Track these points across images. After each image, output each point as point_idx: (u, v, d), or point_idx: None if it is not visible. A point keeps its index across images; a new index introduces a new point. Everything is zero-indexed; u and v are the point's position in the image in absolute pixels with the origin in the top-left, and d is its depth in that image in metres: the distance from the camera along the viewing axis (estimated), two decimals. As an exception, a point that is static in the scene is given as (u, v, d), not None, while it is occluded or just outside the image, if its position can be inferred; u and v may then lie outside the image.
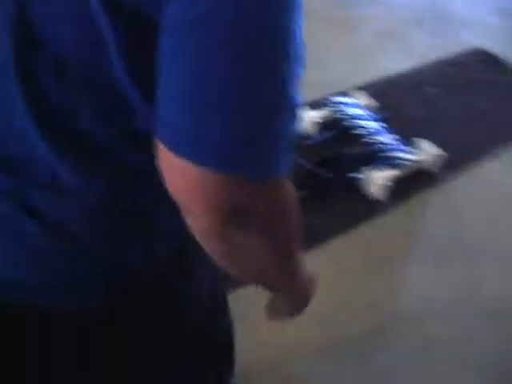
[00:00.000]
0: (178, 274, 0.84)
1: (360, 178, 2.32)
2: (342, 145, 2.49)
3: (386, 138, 2.45)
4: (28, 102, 0.65)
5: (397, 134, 2.55)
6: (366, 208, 2.31)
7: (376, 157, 2.40)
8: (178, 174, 0.59)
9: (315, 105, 2.60)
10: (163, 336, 0.84)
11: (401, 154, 2.39)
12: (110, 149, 0.67)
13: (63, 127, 0.66)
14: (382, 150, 2.41)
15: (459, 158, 2.57)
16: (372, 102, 2.68)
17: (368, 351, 1.86)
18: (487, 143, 2.71)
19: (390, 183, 2.29)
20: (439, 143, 2.54)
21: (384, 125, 2.54)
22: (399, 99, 2.85)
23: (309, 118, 2.51)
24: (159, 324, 0.82)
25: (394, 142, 2.45)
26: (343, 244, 2.17)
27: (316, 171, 2.34)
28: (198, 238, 0.65)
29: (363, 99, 2.68)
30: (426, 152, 2.46)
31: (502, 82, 3.11)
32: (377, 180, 2.29)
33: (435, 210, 2.39)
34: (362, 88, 2.79)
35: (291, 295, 0.88)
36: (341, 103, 2.60)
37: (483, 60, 3.24)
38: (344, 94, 2.68)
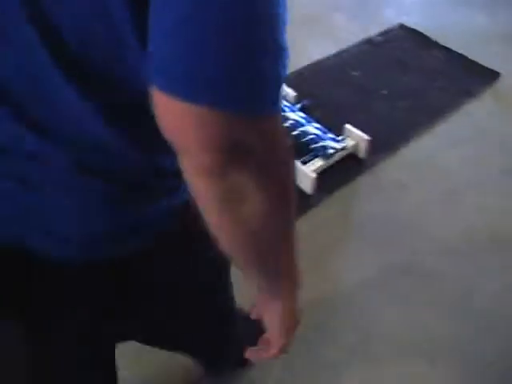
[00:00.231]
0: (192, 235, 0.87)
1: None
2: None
3: (310, 129, 2.37)
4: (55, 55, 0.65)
5: (322, 121, 2.47)
6: (298, 202, 2.22)
7: (304, 149, 2.33)
8: (174, 115, 0.59)
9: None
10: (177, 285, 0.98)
11: (327, 143, 2.32)
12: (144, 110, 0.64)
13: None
14: (308, 142, 2.34)
15: (387, 139, 2.51)
16: (291, 92, 2.60)
17: (310, 345, 1.79)
18: (415, 122, 2.65)
19: (315, 175, 2.21)
20: (366, 126, 2.48)
21: (303, 115, 2.46)
22: (323, 86, 2.76)
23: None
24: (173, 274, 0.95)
25: (318, 132, 2.37)
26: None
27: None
28: (196, 182, 0.64)
29: (284, 89, 2.60)
30: (352, 137, 2.40)
31: (427, 58, 3.07)
32: (303, 173, 2.21)
33: (367, 194, 2.32)
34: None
35: (284, 291, 0.83)
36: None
37: (407, 37, 3.19)
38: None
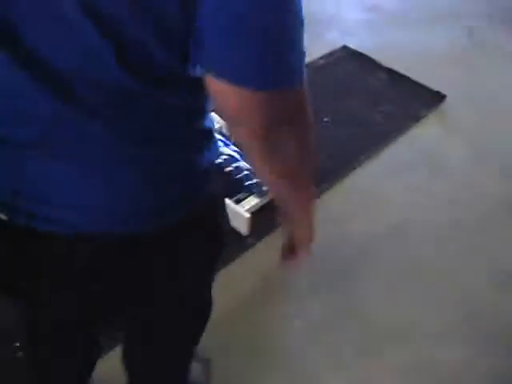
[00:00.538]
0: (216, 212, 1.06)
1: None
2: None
3: (245, 164, 2.23)
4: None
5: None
6: (232, 244, 2.09)
7: (237, 187, 2.19)
8: (225, 96, 0.75)
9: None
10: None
11: (262, 179, 2.18)
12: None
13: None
14: (242, 179, 2.19)
15: (330, 168, 2.39)
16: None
17: None
18: (359, 149, 2.53)
19: (249, 214, 2.07)
20: None
21: (238, 149, 2.32)
22: None
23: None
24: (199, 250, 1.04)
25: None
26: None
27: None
28: (246, 144, 0.83)
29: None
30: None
31: (371, 80, 2.96)
32: (237, 213, 2.07)
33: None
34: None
35: (303, 210, 1.00)
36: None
37: (350, 59, 3.09)
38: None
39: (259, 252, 2.07)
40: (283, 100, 0.77)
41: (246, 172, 2.19)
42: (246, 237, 2.09)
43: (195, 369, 1.57)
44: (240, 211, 2.05)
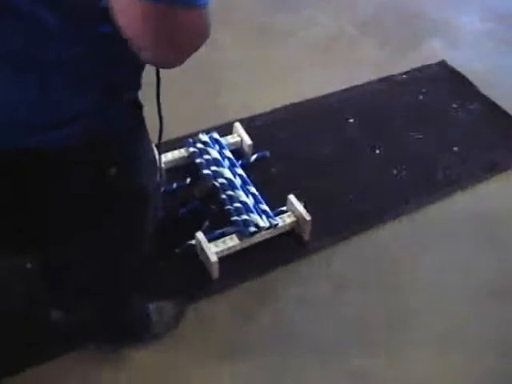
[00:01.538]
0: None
1: (194, 246, 1.83)
2: (193, 198, 1.99)
3: (241, 195, 1.90)
4: None
5: (269, 185, 2.01)
6: (201, 284, 1.80)
7: (223, 219, 1.88)
8: (127, 11, 0.71)
9: (174, 144, 2.10)
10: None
11: (252, 218, 1.82)
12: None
13: None
14: (231, 212, 1.87)
15: (349, 219, 1.99)
16: (247, 139, 2.13)
17: None
18: (400, 197, 2.08)
19: (217, 259, 1.74)
20: (328, 197, 2.01)
21: (242, 174, 1.99)
22: (297, 135, 2.25)
23: (165, 162, 2.03)
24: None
25: (248, 201, 1.87)
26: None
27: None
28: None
29: (237, 136, 2.15)
30: (293, 212, 1.90)
31: (457, 110, 2.42)
32: (207, 253, 1.77)
33: (289, 296, 1.79)
34: (243, 121, 2.24)
35: None
36: (202, 142, 2.07)
37: (444, 79, 2.57)
38: (215, 129, 2.15)
39: (223, 301, 1.76)
40: (185, 17, 0.73)
41: (237, 204, 1.87)
42: (214, 281, 1.79)
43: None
44: (208, 253, 1.75)
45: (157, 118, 1.08)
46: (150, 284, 1.64)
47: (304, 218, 1.86)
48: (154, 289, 1.72)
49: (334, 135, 2.26)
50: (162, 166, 1.97)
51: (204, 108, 2.32)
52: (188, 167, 2.05)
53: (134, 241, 1.22)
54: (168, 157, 2.05)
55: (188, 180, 2.02)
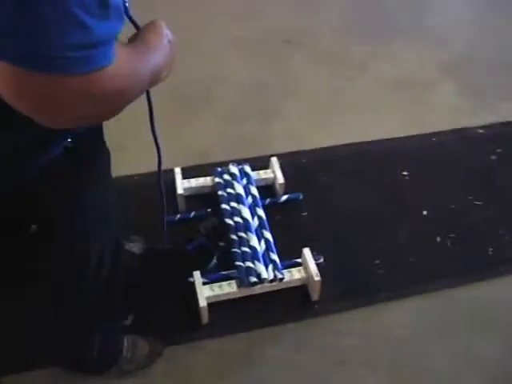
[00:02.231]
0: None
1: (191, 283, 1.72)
2: (209, 231, 1.88)
3: (252, 240, 1.76)
4: None
5: (289, 233, 1.88)
6: (189, 326, 1.69)
7: (227, 262, 1.76)
8: None
9: (193, 171, 2.02)
10: None
11: (256, 267, 1.68)
12: None
13: None
14: (236, 256, 1.75)
15: (368, 285, 1.79)
16: (279, 177, 1.99)
17: None
18: (430, 271, 1.85)
19: (206, 304, 1.63)
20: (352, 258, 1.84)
21: (262, 215, 1.85)
22: (326, 181, 2.09)
23: (184, 187, 1.95)
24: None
25: (259, 248, 1.74)
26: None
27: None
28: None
29: (271, 172, 2.01)
30: (305, 268, 1.75)
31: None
32: (203, 296, 1.66)
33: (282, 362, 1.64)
34: (287, 155, 2.11)
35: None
36: (229, 174, 1.96)
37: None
38: (252, 160, 2.03)
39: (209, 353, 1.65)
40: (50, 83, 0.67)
41: (245, 249, 1.75)
42: (203, 325, 1.69)
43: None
44: (198, 296, 1.65)
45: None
46: (122, 316, 1.58)
47: (313, 278, 1.70)
48: (137, 322, 1.65)
49: (381, 188, 2.06)
50: (181, 192, 1.92)
51: (251, 135, 2.22)
52: (211, 197, 1.96)
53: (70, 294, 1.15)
54: (191, 183, 1.96)
55: (208, 210, 1.93)
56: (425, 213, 1.99)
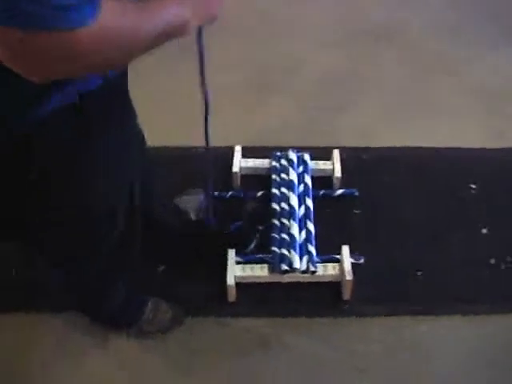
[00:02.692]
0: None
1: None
2: (251, 213, 1.88)
3: (293, 228, 1.74)
4: None
5: (335, 227, 1.85)
6: (214, 302, 1.70)
7: (263, 247, 1.76)
8: None
9: (256, 152, 2.02)
10: None
11: (291, 255, 1.66)
12: None
13: None
14: (273, 241, 1.73)
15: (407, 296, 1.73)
16: (337, 171, 1.94)
17: None
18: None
19: (234, 282, 1.65)
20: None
21: (310, 206, 1.82)
22: (387, 182, 2.01)
23: (242, 166, 1.96)
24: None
25: (298, 237, 1.72)
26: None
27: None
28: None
29: (330, 164, 1.97)
30: (341, 265, 1.70)
31: None
32: (232, 274, 1.67)
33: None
34: (351, 150, 2.06)
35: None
36: (287, 160, 1.94)
37: None
38: (314, 150, 2.00)
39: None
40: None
41: (284, 236, 1.73)
42: (230, 303, 1.70)
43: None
44: (229, 273, 1.66)
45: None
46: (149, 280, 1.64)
47: (345, 276, 1.67)
48: (165, 290, 1.69)
49: (443, 197, 1.96)
50: (236, 170, 1.93)
51: (320, 125, 2.18)
52: (267, 180, 1.95)
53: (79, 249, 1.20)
54: (249, 163, 1.97)
55: (260, 193, 1.93)
56: (484, 231, 1.88)
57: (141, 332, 1.62)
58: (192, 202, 1.83)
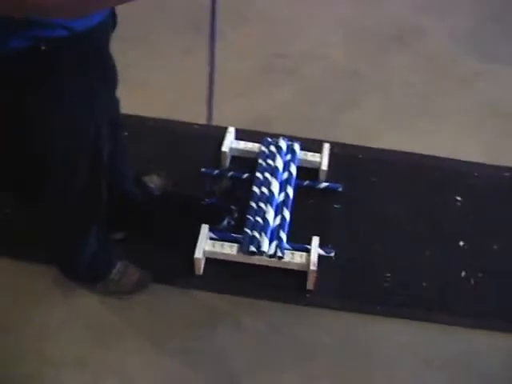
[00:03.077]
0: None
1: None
2: (231, 193, 1.92)
3: (269, 214, 1.79)
4: None
5: (315, 213, 1.89)
6: (181, 272, 1.75)
7: (240, 226, 1.80)
8: None
9: (251, 136, 2.06)
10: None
11: (262, 239, 1.71)
12: None
13: None
14: (251, 224, 1.77)
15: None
16: (324, 164, 1.97)
17: None
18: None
19: (203, 257, 1.70)
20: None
21: (291, 196, 1.85)
22: (374, 182, 2.03)
23: (231, 147, 2.01)
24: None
25: (272, 223, 1.77)
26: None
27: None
28: None
29: (318, 157, 1.99)
30: (306, 255, 1.74)
31: None
32: (201, 248, 1.72)
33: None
34: (349, 147, 2.10)
35: None
36: (276, 147, 1.97)
37: None
38: (308, 141, 2.04)
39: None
40: None
41: (258, 219, 1.77)
42: (196, 276, 1.75)
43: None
44: (199, 246, 1.72)
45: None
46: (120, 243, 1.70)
47: (309, 266, 1.70)
48: (135, 255, 1.76)
49: (427, 205, 1.97)
50: (225, 150, 1.97)
51: (322, 117, 2.21)
52: (254, 163, 1.99)
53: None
54: (240, 145, 2.01)
55: (245, 175, 1.97)
56: (461, 243, 1.88)
57: (106, 290, 1.69)
58: (159, 183, 1.89)
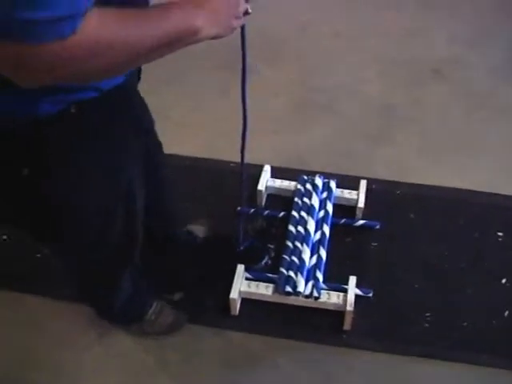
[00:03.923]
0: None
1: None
2: (266, 232, 1.92)
3: (305, 253, 1.77)
4: None
5: (352, 252, 1.86)
6: (217, 313, 1.75)
7: (274, 267, 1.79)
8: None
9: (287, 173, 2.06)
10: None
11: (297, 279, 1.70)
12: None
13: None
14: (282, 263, 1.76)
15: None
16: (361, 201, 1.94)
17: None
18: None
19: (238, 297, 1.70)
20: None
21: (327, 235, 1.83)
22: (412, 219, 1.98)
23: (267, 185, 2.01)
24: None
25: (308, 262, 1.75)
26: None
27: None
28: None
29: (355, 194, 1.97)
30: (343, 295, 1.71)
31: None
32: (237, 288, 1.72)
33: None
34: (384, 183, 2.07)
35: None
36: (312, 185, 1.96)
37: None
38: (343, 178, 2.03)
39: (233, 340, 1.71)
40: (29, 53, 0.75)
41: (294, 258, 1.76)
42: (232, 316, 1.75)
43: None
44: (234, 287, 1.71)
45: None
46: (158, 282, 1.71)
47: (346, 306, 1.67)
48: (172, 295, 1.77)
49: (468, 241, 1.92)
50: (261, 188, 1.97)
51: (357, 153, 2.19)
52: (290, 201, 1.98)
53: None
54: (275, 183, 2.01)
55: (281, 214, 1.97)
56: (503, 281, 1.83)
57: (141, 332, 1.70)
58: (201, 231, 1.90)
